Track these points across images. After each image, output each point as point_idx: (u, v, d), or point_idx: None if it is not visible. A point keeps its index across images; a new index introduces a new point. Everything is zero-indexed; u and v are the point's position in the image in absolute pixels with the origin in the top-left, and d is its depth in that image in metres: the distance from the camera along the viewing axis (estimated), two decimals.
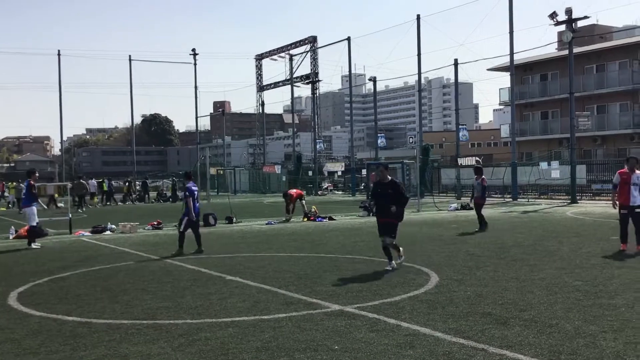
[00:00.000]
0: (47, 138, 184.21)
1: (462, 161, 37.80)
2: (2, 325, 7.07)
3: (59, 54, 54.03)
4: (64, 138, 63.16)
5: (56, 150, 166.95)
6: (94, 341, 6.28)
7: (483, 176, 17.45)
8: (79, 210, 31.79)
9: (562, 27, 31.93)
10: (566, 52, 33.57)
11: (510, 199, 32.26)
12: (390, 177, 10.58)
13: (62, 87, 55.00)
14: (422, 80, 44.90)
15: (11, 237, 17.48)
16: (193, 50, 59.30)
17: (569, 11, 30.06)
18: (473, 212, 24.19)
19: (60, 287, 9.45)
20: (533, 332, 6.16)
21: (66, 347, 6.09)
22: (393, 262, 10.34)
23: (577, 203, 28.70)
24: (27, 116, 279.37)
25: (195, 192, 13.31)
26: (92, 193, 35.89)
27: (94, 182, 36.96)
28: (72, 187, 34.85)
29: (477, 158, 38.64)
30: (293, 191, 23.58)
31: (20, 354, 5.90)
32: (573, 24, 30.14)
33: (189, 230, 13.13)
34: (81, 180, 35.05)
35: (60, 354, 5.89)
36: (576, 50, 35.74)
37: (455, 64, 39.38)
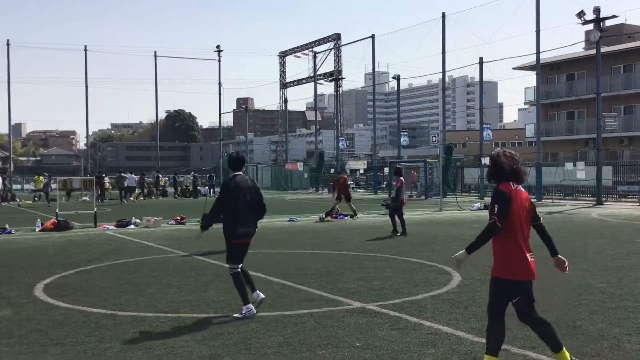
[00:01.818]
0: (73, 132, 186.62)
1: (485, 161, 37.53)
2: (29, 315, 7.20)
3: (85, 50, 54.71)
4: (89, 133, 64.01)
5: (81, 144, 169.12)
6: (118, 333, 6.37)
7: (400, 177, 16.43)
8: (122, 202, 32.84)
9: (590, 26, 31.51)
10: (593, 51, 33.13)
11: (535, 200, 31.98)
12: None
13: (88, 82, 55.69)
14: (446, 79, 44.64)
15: (37, 229, 17.76)
16: (218, 46, 59.65)
17: (597, 10, 29.64)
18: None
19: (86, 280, 9.60)
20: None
21: (91, 339, 6.19)
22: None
23: (603, 205, 28.34)
24: (54, 111, 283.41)
25: None
26: (131, 187, 36.32)
27: (133, 176, 37.34)
28: (115, 180, 36.41)
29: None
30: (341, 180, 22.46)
31: (46, 344, 6.01)
32: (601, 23, 29.72)
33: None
34: (122, 174, 35.62)
35: (86, 345, 5.98)
36: (604, 49, 35.24)
37: (480, 62, 39.09)
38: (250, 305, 7.02)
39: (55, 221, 18.02)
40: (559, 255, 5.04)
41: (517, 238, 4.76)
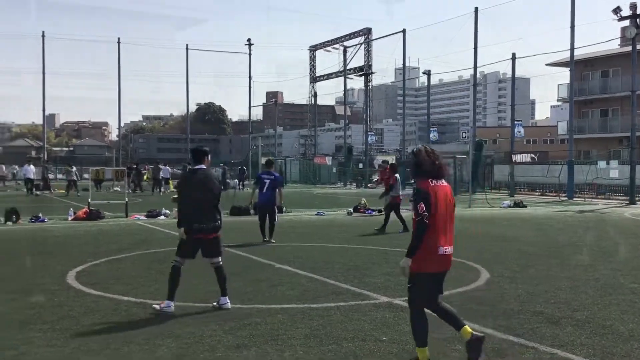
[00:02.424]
0: (105, 124, 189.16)
1: (516, 158, 37.08)
2: (62, 302, 7.36)
3: (118, 42, 55.37)
4: (121, 124, 64.84)
5: (113, 136, 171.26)
6: (148, 321, 6.48)
7: (395, 174, 16.04)
8: (153, 193, 33.85)
9: (626, 23, 30.85)
10: (629, 48, 32.44)
11: (566, 198, 31.51)
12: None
13: (121, 75, 56.36)
14: (478, 75, 44.18)
15: (70, 218, 18.09)
16: (248, 40, 59.83)
17: (633, 6, 29.03)
18: (527, 210, 23.80)
19: (117, 268, 9.76)
20: (586, 332, 6.05)
21: (122, 326, 6.31)
22: None
23: (636, 204, 27.81)
24: (87, 102, 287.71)
25: (266, 181, 13.09)
26: (166, 179, 36.92)
27: (167, 168, 37.89)
28: (152, 171, 37.28)
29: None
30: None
31: (78, 330, 6.15)
32: (637, 20, 29.10)
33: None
34: (159, 165, 36.23)
35: (116, 332, 6.11)
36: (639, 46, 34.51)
37: (513, 58, 38.56)
38: (171, 303, 6.79)
39: (88, 210, 18.34)
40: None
41: (439, 232, 4.92)
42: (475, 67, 41.97)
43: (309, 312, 6.82)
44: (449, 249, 5.03)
